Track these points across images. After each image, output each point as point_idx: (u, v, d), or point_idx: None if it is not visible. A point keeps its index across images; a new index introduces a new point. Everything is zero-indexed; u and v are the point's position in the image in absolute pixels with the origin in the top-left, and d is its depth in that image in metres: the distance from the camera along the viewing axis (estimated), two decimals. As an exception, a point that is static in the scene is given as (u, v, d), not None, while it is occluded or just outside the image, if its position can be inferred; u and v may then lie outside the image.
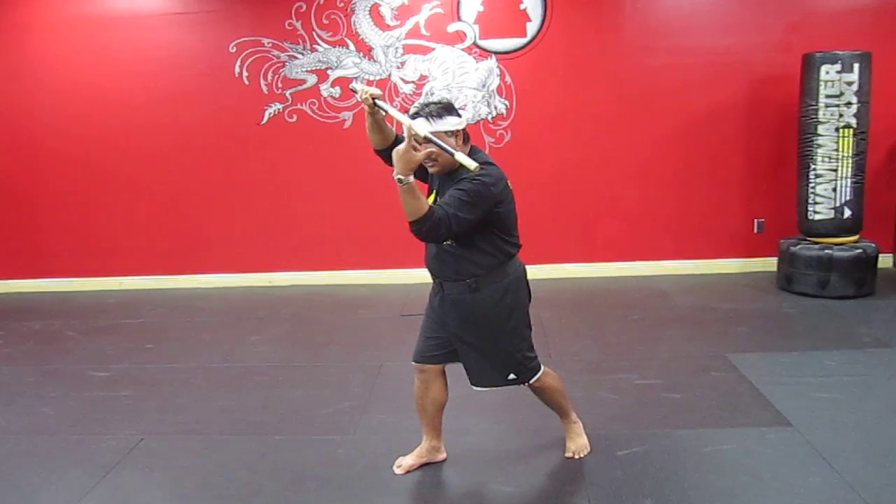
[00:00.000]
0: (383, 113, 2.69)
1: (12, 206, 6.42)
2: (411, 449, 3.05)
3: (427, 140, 2.49)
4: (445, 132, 2.58)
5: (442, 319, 2.82)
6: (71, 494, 2.93)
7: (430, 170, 2.69)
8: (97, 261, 6.45)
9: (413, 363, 2.96)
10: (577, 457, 3.03)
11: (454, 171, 2.62)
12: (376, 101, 2.65)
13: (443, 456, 3.07)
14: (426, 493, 2.87)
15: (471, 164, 2.41)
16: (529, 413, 3.31)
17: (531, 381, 2.88)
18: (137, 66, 6.06)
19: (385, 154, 2.81)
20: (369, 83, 5.94)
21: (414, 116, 2.62)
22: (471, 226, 2.54)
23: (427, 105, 2.64)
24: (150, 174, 6.24)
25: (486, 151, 5.86)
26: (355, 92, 2.77)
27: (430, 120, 2.58)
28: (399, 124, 2.65)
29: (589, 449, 3.07)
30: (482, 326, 2.74)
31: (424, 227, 2.45)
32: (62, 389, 4.11)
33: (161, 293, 6.24)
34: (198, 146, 6.17)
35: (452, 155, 2.46)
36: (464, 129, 2.67)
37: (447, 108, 2.63)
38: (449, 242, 2.67)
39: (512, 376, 2.82)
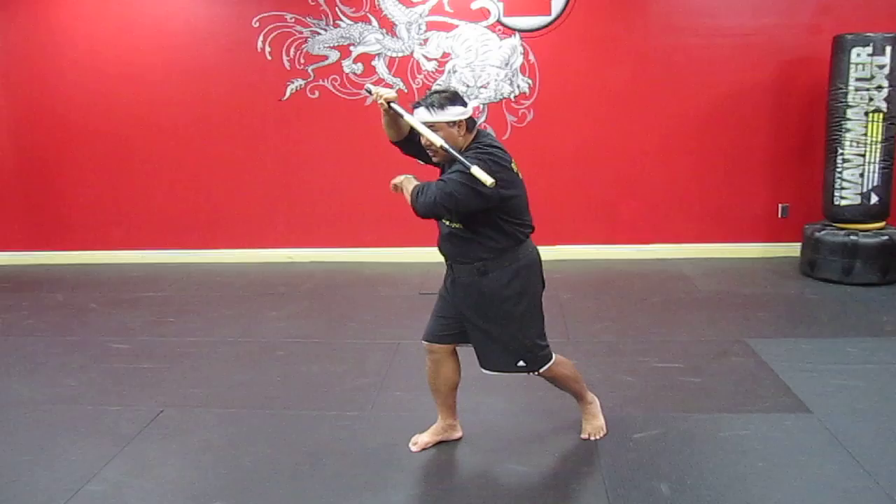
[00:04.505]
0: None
1: (36, 180, 6.48)
2: (427, 427, 3.06)
3: (443, 149, 2.55)
4: (447, 122, 2.58)
5: (453, 301, 2.82)
6: (92, 463, 2.97)
7: (434, 160, 2.69)
8: (120, 234, 6.51)
9: (423, 342, 2.95)
10: (592, 438, 3.03)
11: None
12: (391, 105, 2.66)
13: (458, 434, 3.08)
14: (441, 471, 2.88)
15: (437, 139, 2.52)
16: (546, 393, 3.31)
17: (541, 371, 2.86)
18: (160, 40, 6.07)
19: (401, 145, 2.84)
20: (391, 60, 5.91)
21: (415, 106, 2.63)
22: (470, 200, 2.50)
23: (430, 95, 2.64)
24: (173, 149, 6.27)
25: (508, 131, 5.91)
26: (369, 93, 2.78)
27: (431, 110, 2.58)
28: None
29: (605, 431, 3.06)
30: (490, 310, 2.73)
31: (414, 204, 2.58)
32: (84, 360, 4.16)
33: (182, 267, 6.29)
34: (220, 121, 6.18)
35: (446, 150, 2.51)
36: (469, 118, 2.64)
37: (451, 98, 2.61)
38: (457, 225, 2.67)
39: (521, 364, 2.80)
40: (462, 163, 2.46)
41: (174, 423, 3.34)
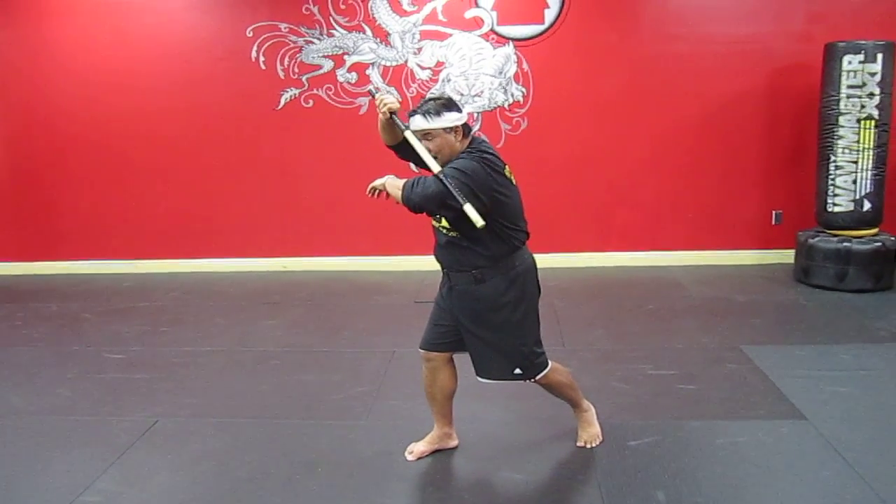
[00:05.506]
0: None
1: (30, 189, 6.47)
2: (423, 435, 3.06)
3: (441, 176, 2.54)
4: (443, 128, 2.61)
5: (450, 308, 2.82)
6: (86, 474, 2.96)
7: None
8: (114, 244, 6.50)
9: (420, 350, 2.96)
10: (588, 446, 3.03)
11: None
12: (392, 115, 2.68)
13: (454, 443, 3.07)
14: (437, 480, 2.87)
15: (435, 167, 2.54)
16: (541, 401, 3.30)
17: (537, 378, 2.85)
18: (154, 50, 6.08)
19: (396, 149, 2.84)
20: (385, 69, 5.93)
21: (411, 114, 2.65)
22: (470, 197, 2.50)
23: (425, 102, 2.66)
24: (167, 158, 6.27)
25: (502, 139, 5.93)
26: (372, 95, 2.82)
27: (427, 117, 2.60)
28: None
29: (601, 438, 3.06)
30: (487, 318, 2.73)
31: (409, 195, 2.56)
32: (78, 371, 4.15)
33: (176, 277, 6.28)
34: (214, 131, 6.18)
35: (441, 180, 2.51)
36: (464, 124, 2.67)
37: (446, 105, 2.63)
38: (454, 233, 2.68)
39: (517, 371, 2.80)
40: (456, 199, 2.47)
41: (169, 433, 3.33)
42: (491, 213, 2.58)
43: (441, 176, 2.52)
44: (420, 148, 2.60)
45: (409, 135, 2.63)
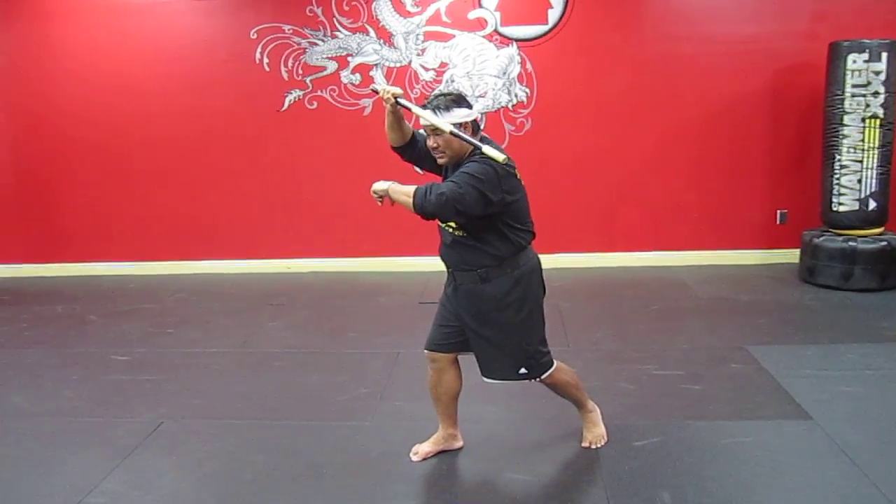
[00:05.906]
0: (403, 110, 2.71)
1: (35, 192, 6.49)
2: (428, 436, 3.05)
3: (453, 134, 2.55)
4: (452, 124, 2.59)
5: (455, 309, 2.82)
6: (92, 475, 2.96)
7: (440, 161, 2.70)
8: (118, 245, 6.51)
9: (425, 351, 2.96)
10: (593, 446, 3.02)
11: (463, 163, 2.62)
12: (398, 99, 2.67)
13: (459, 444, 3.07)
14: (442, 481, 2.87)
15: (446, 125, 2.54)
16: (546, 402, 3.30)
17: (542, 378, 2.85)
18: (158, 52, 6.09)
19: (402, 150, 2.85)
20: (389, 70, 5.93)
21: (421, 108, 2.64)
22: (478, 205, 2.51)
23: (435, 98, 2.66)
24: (171, 160, 6.28)
25: (506, 140, 5.93)
26: (376, 93, 2.80)
27: (438, 112, 2.59)
28: (417, 121, 2.68)
29: (606, 439, 3.05)
30: (492, 317, 2.73)
31: (423, 204, 2.52)
32: (84, 372, 4.16)
33: (181, 279, 6.29)
34: (218, 132, 6.19)
35: (457, 134, 2.54)
36: (473, 121, 2.67)
37: (456, 101, 2.63)
38: (460, 233, 2.68)
39: (523, 371, 2.80)
40: (474, 144, 2.51)
41: (174, 434, 3.34)
42: (499, 214, 2.60)
43: (454, 179, 2.53)
44: (430, 116, 2.57)
45: (416, 109, 2.62)
